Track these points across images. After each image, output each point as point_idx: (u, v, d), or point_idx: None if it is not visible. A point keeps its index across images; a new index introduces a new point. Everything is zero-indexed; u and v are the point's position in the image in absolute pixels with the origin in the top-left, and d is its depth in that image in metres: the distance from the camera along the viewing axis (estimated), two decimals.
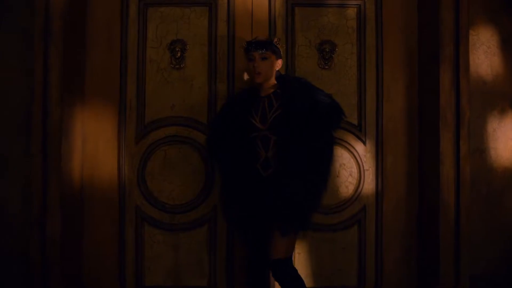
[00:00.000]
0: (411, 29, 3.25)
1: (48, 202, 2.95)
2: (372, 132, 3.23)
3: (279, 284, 2.71)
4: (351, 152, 3.22)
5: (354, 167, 3.22)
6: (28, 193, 3.00)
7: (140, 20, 3.23)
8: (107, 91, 3.22)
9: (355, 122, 3.22)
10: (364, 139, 3.23)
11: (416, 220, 3.22)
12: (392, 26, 3.25)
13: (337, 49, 3.24)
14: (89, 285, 3.18)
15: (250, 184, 2.74)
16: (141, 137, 3.22)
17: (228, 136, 2.81)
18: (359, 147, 3.23)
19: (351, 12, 3.26)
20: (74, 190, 3.12)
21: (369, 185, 3.22)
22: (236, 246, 3.16)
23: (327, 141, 2.73)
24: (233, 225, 2.96)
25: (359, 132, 3.23)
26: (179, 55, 3.21)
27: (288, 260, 2.67)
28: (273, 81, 2.85)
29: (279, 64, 2.86)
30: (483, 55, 3.19)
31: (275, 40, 2.89)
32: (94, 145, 3.21)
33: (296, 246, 2.97)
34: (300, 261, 3.16)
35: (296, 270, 2.69)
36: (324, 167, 2.72)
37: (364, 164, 3.22)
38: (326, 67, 3.24)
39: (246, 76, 3.16)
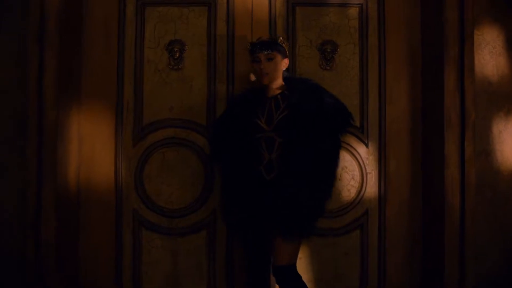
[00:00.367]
0: (414, 29, 3.21)
1: (43, 205, 2.91)
2: (375, 134, 3.19)
3: None
4: (353, 155, 3.18)
5: (356, 170, 3.18)
6: (24, 196, 2.95)
7: (138, 20, 3.20)
8: (104, 93, 3.18)
9: (357, 124, 3.17)
10: (366, 141, 3.19)
11: (419, 223, 3.17)
12: (394, 26, 3.21)
13: (338, 50, 3.20)
14: None
15: (252, 186, 2.68)
16: (139, 139, 3.18)
17: (231, 137, 2.76)
18: (362, 150, 3.18)
19: (353, 11, 3.22)
20: (70, 193, 3.07)
21: (371, 188, 3.18)
22: (236, 250, 3.12)
23: (334, 145, 2.67)
24: (233, 227, 2.90)
25: (361, 134, 3.19)
26: (177, 55, 3.18)
27: (292, 267, 2.61)
28: (280, 81, 2.80)
29: (285, 63, 2.81)
30: (489, 55, 3.14)
31: (280, 39, 2.82)
32: (91, 147, 3.17)
33: None
34: (302, 266, 3.10)
35: (300, 277, 2.62)
36: (329, 171, 2.66)
37: (366, 167, 3.17)
38: (328, 67, 3.20)
39: (252, 78, 3.10)
